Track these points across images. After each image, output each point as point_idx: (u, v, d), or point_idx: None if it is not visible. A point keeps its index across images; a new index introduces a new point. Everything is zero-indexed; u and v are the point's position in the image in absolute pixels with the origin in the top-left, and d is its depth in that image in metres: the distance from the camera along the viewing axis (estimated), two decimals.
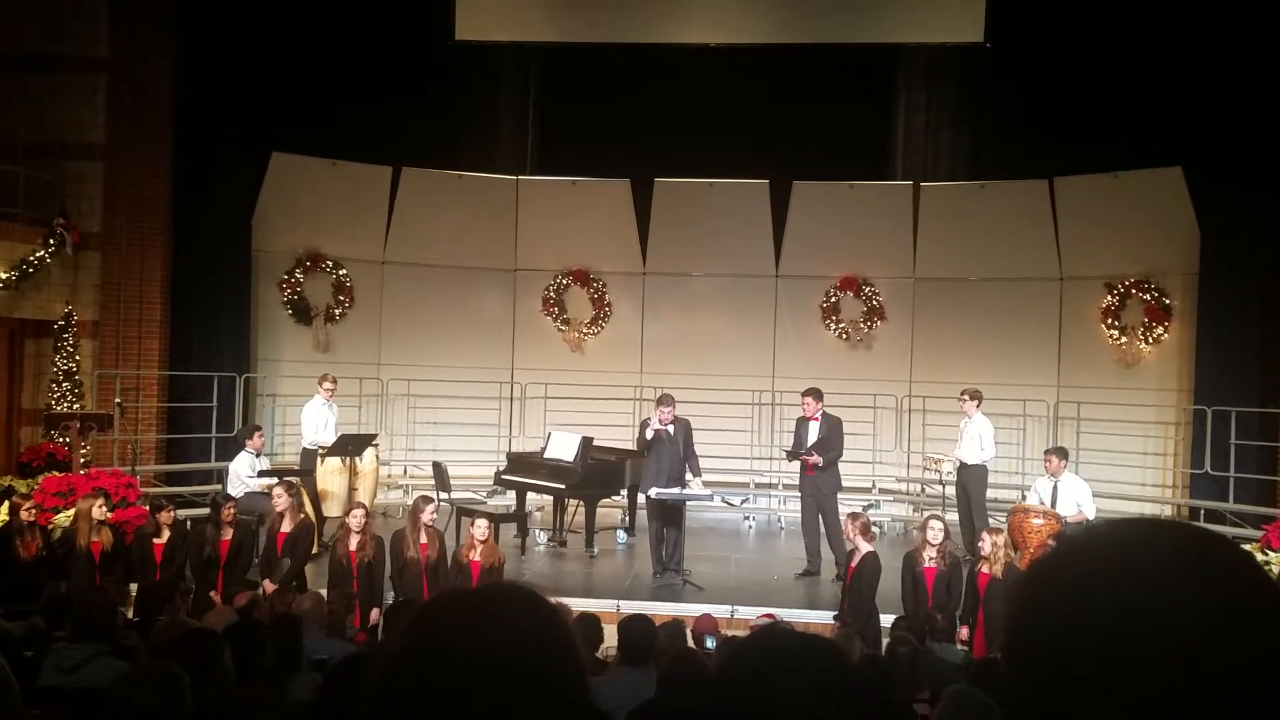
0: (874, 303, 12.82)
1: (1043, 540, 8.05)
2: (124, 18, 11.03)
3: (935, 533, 7.18)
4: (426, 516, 7.56)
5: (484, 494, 10.98)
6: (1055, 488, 8.73)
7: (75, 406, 10.41)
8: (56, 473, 9.16)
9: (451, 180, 13.06)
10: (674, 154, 12.71)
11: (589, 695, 1.07)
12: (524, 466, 10.35)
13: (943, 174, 12.98)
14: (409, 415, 12.62)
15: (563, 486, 9.89)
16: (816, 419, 9.14)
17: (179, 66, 11.30)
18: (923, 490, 11.90)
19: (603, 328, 13.29)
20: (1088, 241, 11.93)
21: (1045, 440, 11.01)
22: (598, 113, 12.99)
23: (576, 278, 13.26)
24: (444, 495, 9.79)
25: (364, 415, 12.22)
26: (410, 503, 8.21)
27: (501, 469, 10.63)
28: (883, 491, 12.07)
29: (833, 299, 12.91)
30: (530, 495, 10.46)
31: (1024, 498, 9.76)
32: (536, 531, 10.32)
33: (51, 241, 10.42)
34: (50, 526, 7.88)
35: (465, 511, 9.17)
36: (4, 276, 9.89)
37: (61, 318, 10.63)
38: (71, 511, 7.72)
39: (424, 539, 7.51)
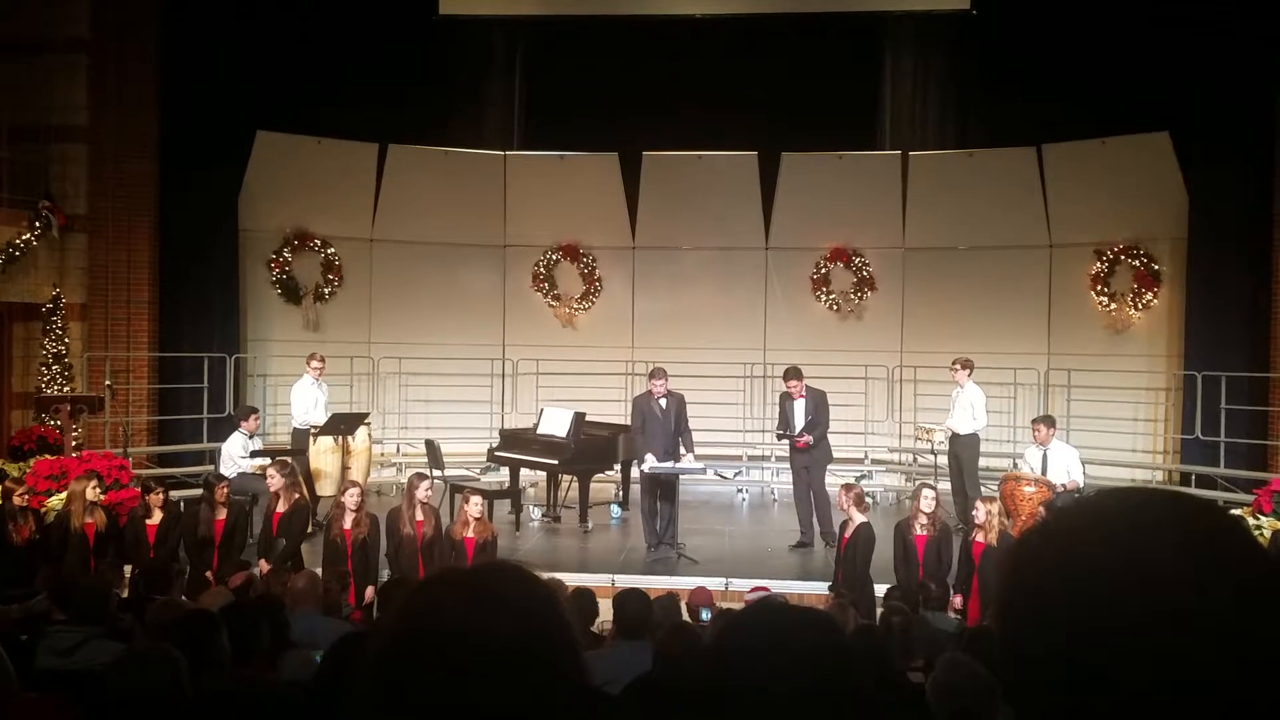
0: (864, 273, 12.81)
1: (1035, 508, 8.12)
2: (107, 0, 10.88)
3: (927, 501, 7.22)
4: (421, 494, 7.57)
5: (477, 471, 11.00)
6: (1045, 456, 8.79)
7: (65, 389, 10.38)
8: (48, 456, 9.13)
9: (439, 156, 12.97)
10: (662, 127, 12.66)
11: (584, 672, 1.08)
12: (517, 443, 10.36)
13: (931, 143, 12.95)
14: (401, 393, 12.61)
15: (556, 462, 9.91)
16: (802, 396, 9.16)
17: (162, 46, 11.18)
18: (915, 460, 11.96)
19: (593, 303, 13.27)
20: (1076, 208, 11.93)
21: (1036, 408, 11.06)
22: (585, 87, 12.89)
23: (566, 253, 13.21)
24: (438, 472, 9.80)
25: (355, 394, 12.20)
26: (404, 481, 8.22)
27: (494, 446, 10.64)
28: (875, 462, 12.13)
29: (823, 270, 12.90)
30: (524, 471, 10.48)
31: (1015, 466, 9.82)
32: (530, 507, 10.35)
33: (37, 224, 10.34)
34: (43, 510, 7.87)
35: (459, 488, 9.18)
36: None
37: (49, 300, 10.57)
38: (64, 494, 7.70)
39: (419, 516, 7.52)
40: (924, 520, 7.18)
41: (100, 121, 10.90)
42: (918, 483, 8.93)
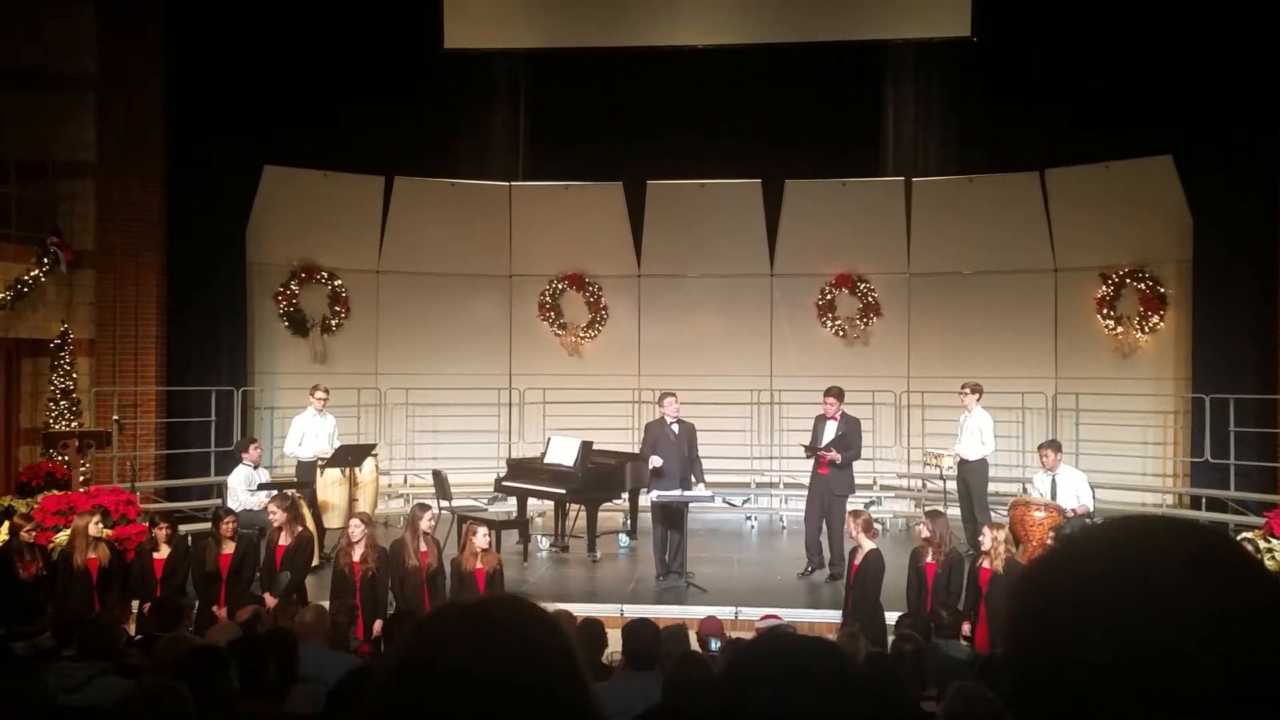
0: (869, 299, 12.82)
1: (1044, 533, 8.07)
2: (111, 34, 11.02)
3: (922, 529, 7.25)
4: (425, 524, 7.55)
5: (485, 501, 10.97)
6: (1054, 481, 8.74)
7: (73, 425, 10.40)
8: (56, 491, 9.14)
9: (444, 188, 13.06)
10: (666, 156, 12.74)
11: (590, 706, 1.07)
12: (524, 472, 10.34)
13: (933, 169, 13.00)
14: (408, 424, 12.61)
15: (563, 491, 9.88)
16: (836, 418, 9.14)
17: (168, 81, 11.30)
18: (924, 486, 11.90)
19: (599, 331, 13.29)
20: (1081, 232, 11.94)
21: (1044, 432, 11.01)
22: (588, 117, 13.00)
23: (572, 282, 13.26)
24: (445, 503, 9.78)
25: (362, 425, 12.20)
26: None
27: (502, 475, 10.62)
28: (884, 488, 12.08)
29: (828, 296, 12.91)
30: (531, 501, 10.45)
31: (1025, 491, 9.76)
32: (538, 537, 10.31)
33: (45, 260, 10.41)
34: (50, 546, 7.86)
35: (465, 519, 9.16)
36: (0, 297, 9.87)
37: (57, 336, 10.62)
38: (70, 529, 7.70)
39: (423, 547, 7.50)
40: (930, 548, 7.15)
41: (108, 157, 11.00)
42: (925, 510, 8.89)
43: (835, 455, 8.93)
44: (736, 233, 12.99)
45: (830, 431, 9.11)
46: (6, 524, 7.87)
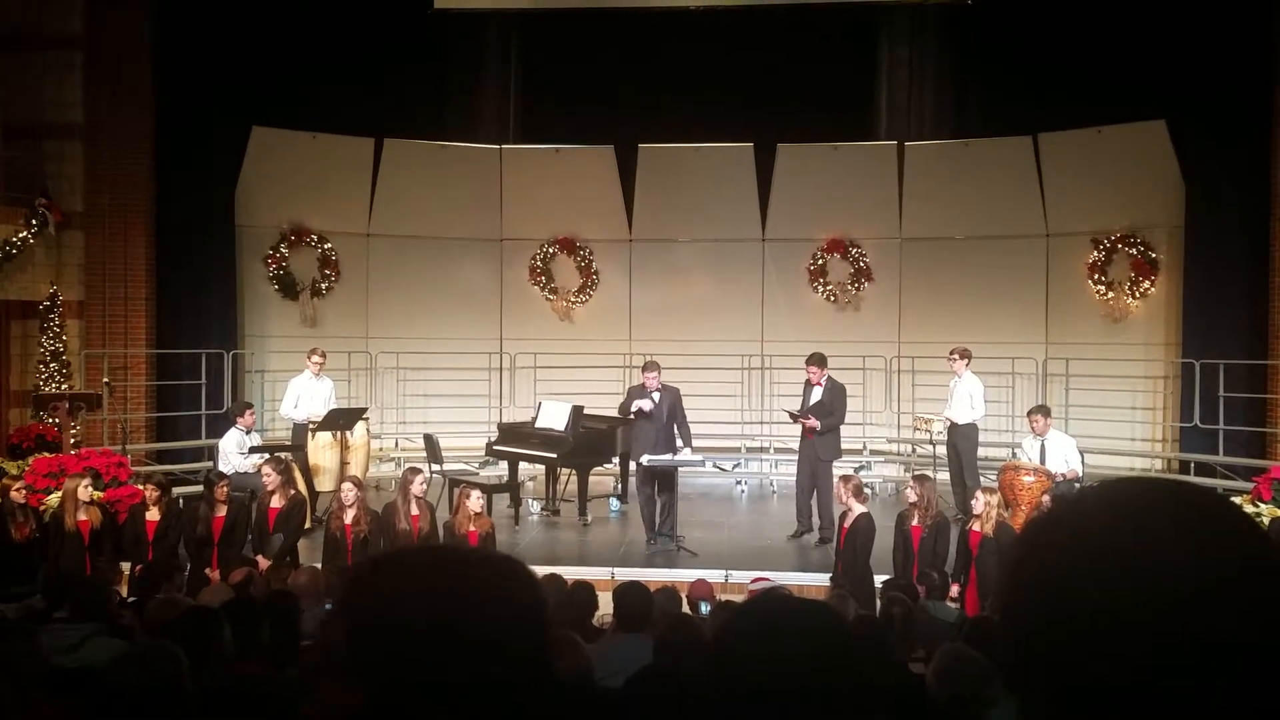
0: (861, 264, 12.81)
1: (1034, 497, 8.14)
2: None
3: (910, 492, 7.31)
4: (416, 488, 7.57)
5: (476, 465, 11.00)
6: (1043, 446, 8.80)
7: (63, 387, 10.36)
8: (47, 454, 9.12)
9: (434, 150, 12.95)
10: (658, 119, 12.64)
11: (545, 653, 1.08)
12: (515, 437, 10.37)
13: (927, 133, 12.94)
14: (399, 388, 12.60)
15: (554, 456, 9.91)
16: (821, 384, 9.17)
17: (156, 42, 11.13)
18: (913, 451, 11.96)
19: (590, 296, 13.26)
20: (1073, 197, 11.92)
21: (1034, 397, 11.06)
22: (580, 79, 12.86)
23: (563, 246, 13.20)
24: (436, 467, 9.80)
25: (353, 389, 12.19)
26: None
27: (493, 439, 10.64)
28: (874, 453, 12.13)
29: (820, 261, 12.89)
30: (522, 465, 10.48)
31: (1014, 455, 9.83)
32: (529, 501, 10.35)
33: (34, 222, 10.31)
34: (42, 508, 7.87)
35: (458, 482, 9.18)
36: None
37: (47, 298, 10.54)
38: (62, 492, 7.70)
39: (415, 510, 7.52)
40: (916, 511, 7.21)
41: (96, 118, 10.87)
42: (911, 474, 8.95)
43: (815, 422, 8.98)
44: (728, 197, 12.93)
45: (814, 398, 9.15)
46: None
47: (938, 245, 12.65)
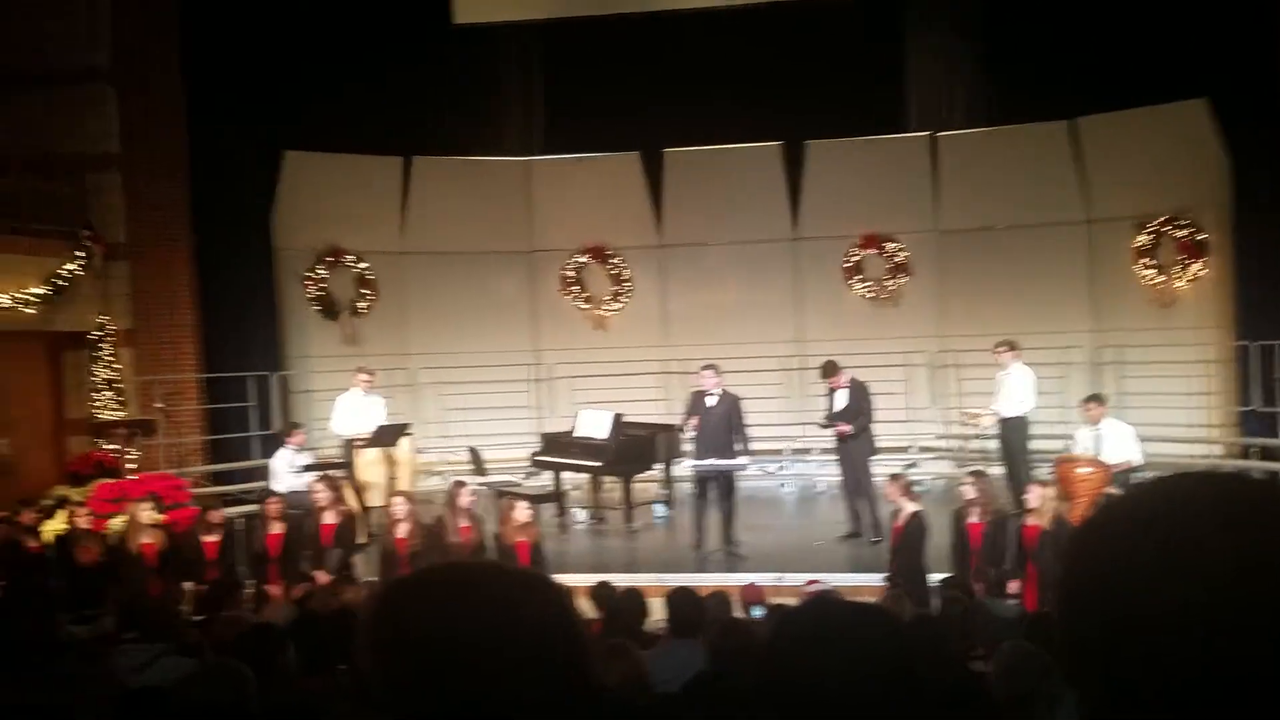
0: (898, 258, 12.70)
1: (1092, 489, 7.98)
2: (126, 27, 11.00)
3: (969, 489, 7.20)
4: (465, 500, 7.64)
5: (521, 475, 11.06)
6: (1098, 435, 8.63)
7: (119, 414, 10.59)
8: (108, 479, 9.34)
9: (462, 166, 13.05)
10: (683, 123, 12.53)
11: (587, 666, 1.07)
12: (558, 446, 10.40)
13: (960, 122, 12.70)
14: (440, 402, 12.71)
15: (598, 464, 9.94)
16: (844, 388, 9.13)
17: (185, 71, 11.30)
18: (963, 446, 11.84)
19: (624, 303, 13.27)
20: (1115, 181, 11.72)
21: (1086, 387, 10.86)
22: (603, 87, 12.77)
23: (594, 255, 13.24)
24: (481, 479, 9.88)
25: (395, 405, 12.28)
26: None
27: (536, 450, 10.69)
28: (922, 450, 12.01)
29: (855, 258, 12.81)
30: (566, 473, 10.52)
31: (1068, 447, 9.67)
32: (575, 510, 10.39)
33: (80, 254, 10.54)
34: (106, 532, 8.06)
35: (503, 494, 9.25)
36: (39, 292, 10.03)
37: (97, 328, 10.78)
38: (124, 516, 7.88)
39: (464, 523, 7.59)
40: (975, 507, 7.13)
41: (132, 149, 11.03)
42: (967, 469, 8.86)
43: (846, 428, 8.93)
44: (758, 198, 12.88)
45: (839, 401, 9.11)
46: (64, 513, 8.07)
47: (976, 236, 12.50)
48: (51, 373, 10.81)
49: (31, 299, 9.90)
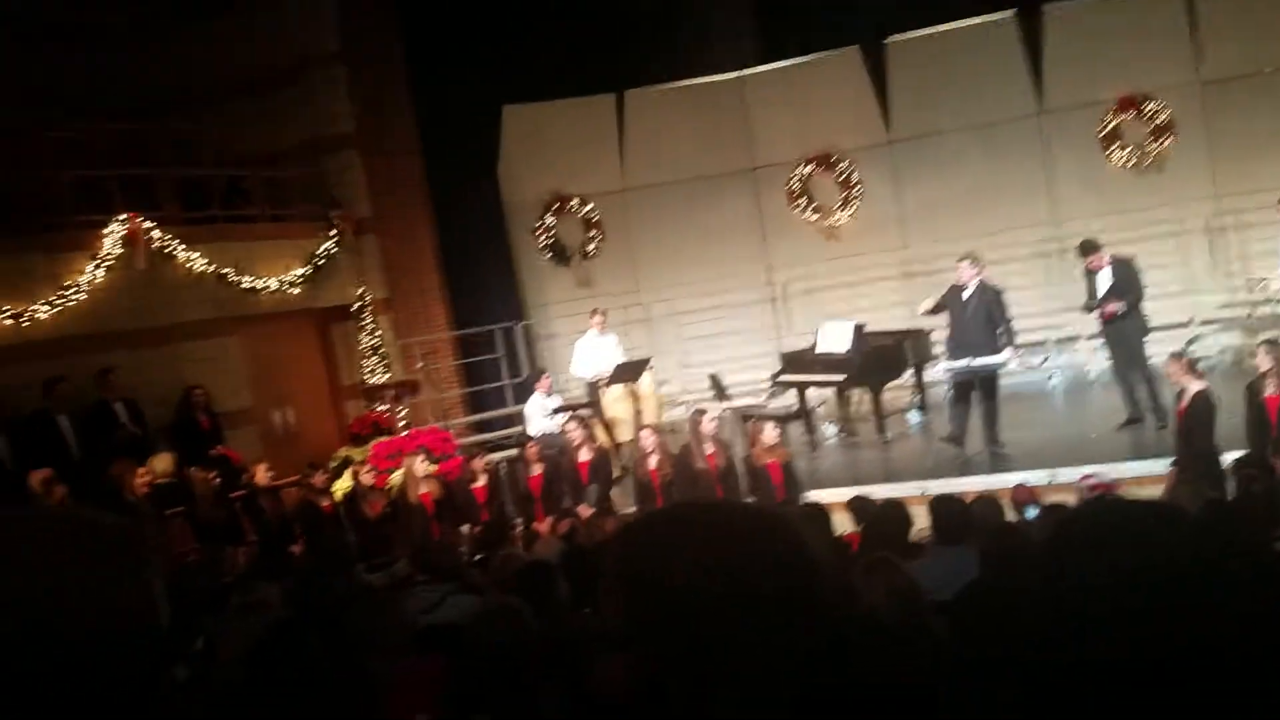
0: (1159, 119, 11.38)
1: None
2: (350, 12, 11.68)
3: (1264, 359, 6.45)
4: (707, 427, 7.66)
5: (764, 397, 10.99)
6: None
7: (386, 377, 11.46)
8: (384, 438, 10.15)
9: (675, 93, 12.89)
10: (902, 7, 11.74)
11: (840, 591, 1.06)
12: (799, 364, 10.21)
13: None
14: (677, 333, 12.81)
15: (842, 378, 9.68)
16: (1105, 266, 8.38)
17: (407, 47, 11.85)
18: (1251, 314, 10.57)
19: (854, 208, 12.74)
20: None
21: None
22: None
23: (819, 163, 12.76)
24: (724, 404, 9.89)
25: (632, 340, 12.52)
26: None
27: (777, 371, 10.56)
28: (1204, 323, 10.83)
29: (1110, 124, 11.60)
30: (812, 390, 10.32)
31: None
32: (824, 425, 10.20)
33: (333, 233, 11.38)
34: (387, 486, 8.76)
35: (748, 417, 9.22)
36: (302, 272, 10.95)
37: (357, 300, 11.65)
38: (402, 470, 8.53)
39: (710, 449, 7.62)
40: (1272, 378, 6.36)
41: (366, 126, 11.75)
42: (1259, 339, 7.89)
43: (1116, 307, 8.20)
44: (994, 75, 11.89)
45: (1103, 280, 8.36)
46: (348, 472, 8.84)
47: (1247, 83, 10.98)
48: (323, 345, 11.82)
49: (297, 280, 10.81)
